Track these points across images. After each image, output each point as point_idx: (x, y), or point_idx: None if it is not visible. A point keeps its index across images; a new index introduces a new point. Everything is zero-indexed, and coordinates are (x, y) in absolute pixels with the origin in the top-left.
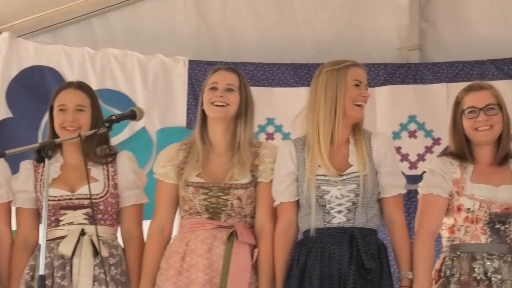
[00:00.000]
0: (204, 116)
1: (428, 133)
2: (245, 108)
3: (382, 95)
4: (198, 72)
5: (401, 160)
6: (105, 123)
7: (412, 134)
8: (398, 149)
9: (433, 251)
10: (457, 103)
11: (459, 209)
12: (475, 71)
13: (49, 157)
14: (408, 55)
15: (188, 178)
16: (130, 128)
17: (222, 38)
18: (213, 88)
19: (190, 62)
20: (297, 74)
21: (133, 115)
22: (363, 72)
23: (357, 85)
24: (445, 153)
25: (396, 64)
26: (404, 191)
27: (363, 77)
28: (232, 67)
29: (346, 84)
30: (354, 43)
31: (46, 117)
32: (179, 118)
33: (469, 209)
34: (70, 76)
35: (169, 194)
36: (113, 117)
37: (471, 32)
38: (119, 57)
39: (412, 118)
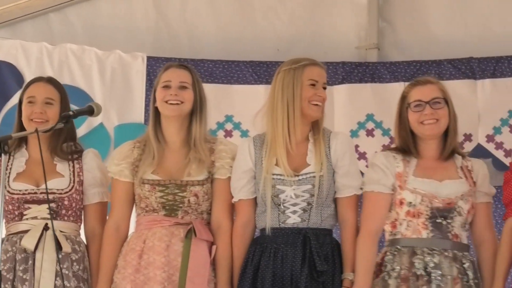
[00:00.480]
0: (157, 114)
1: (386, 132)
2: (199, 105)
3: (340, 93)
4: (157, 68)
5: (359, 159)
6: (62, 118)
7: (369, 133)
8: (355, 147)
9: (375, 251)
10: (403, 97)
11: (401, 203)
12: (433, 71)
13: (5, 152)
14: (366, 54)
15: (144, 176)
16: (87, 124)
17: (181, 34)
18: (167, 87)
19: (149, 58)
20: (256, 71)
21: (90, 111)
22: (320, 71)
23: (313, 84)
24: (389, 147)
25: (354, 63)
26: (360, 192)
27: (320, 76)
28: (184, 63)
29: (302, 84)
30: (313, 42)
31: (4, 111)
32: (137, 114)
33: (410, 203)
34: (27, 71)
35: (125, 192)
36: (70, 113)
37: (429, 31)
38: (77, 52)
39: (370, 117)
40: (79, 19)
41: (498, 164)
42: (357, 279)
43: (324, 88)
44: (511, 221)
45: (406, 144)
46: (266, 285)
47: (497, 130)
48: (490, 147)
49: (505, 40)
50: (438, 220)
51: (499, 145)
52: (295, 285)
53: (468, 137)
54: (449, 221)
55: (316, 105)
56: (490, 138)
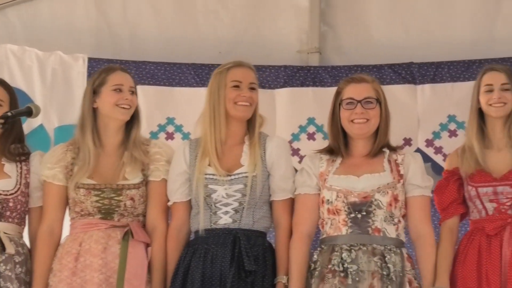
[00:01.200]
0: (94, 116)
1: (327, 136)
2: (138, 109)
3: (282, 97)
4: (98, 70)
5: (300, 162)
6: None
7: (311, 136)
8: (297, 151)
9: (308, 253)
10: (338, 93)
11: (322, 201)
12: (373, 75)
13: None
14: (308, 58)
15: (79, 180)
16: (27, 125)
17: (123, 36)
18: (119, 90)
19: (90, 59)
20: (197, 74)
21: (29, 112)
22: (245, 72)
23: (236, 86)
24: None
25: (296, 66)
26: (290, 196)
27: (245, 77)
28: (123, 67)
29: (225, 86)
30: (255, 45)
31: None
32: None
33: (328, 200)
34: None
35: (58, 196)
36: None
37: (370, 36)
38: (17, 53)
39: (311, 121)
40: (19, 20)
41: (437, 169)
42: (290, 282)
43: (253, 89)
44: (449, 223)
45: (336, 141)
46: (196, 285)
47: (437, 135)
48: (430, 151)
49: (445, 45)
50: (354, 215)
51: (438, 150)
52: (223, 285)
53: (407, 142)
54: (364, 214)
55: (243, 105)
56: (429, 143)
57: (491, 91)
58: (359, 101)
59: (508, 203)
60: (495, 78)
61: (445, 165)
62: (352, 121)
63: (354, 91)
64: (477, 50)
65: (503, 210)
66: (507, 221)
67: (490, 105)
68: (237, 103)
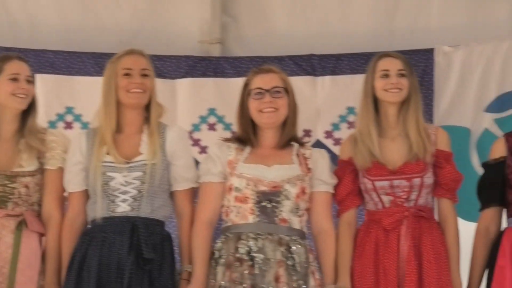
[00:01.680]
0: None
1: (228, 126)
2: (34, 97)
3: (182, 87)
4: None
5: (200, 153)
6: None
7: (211, 127)
8: (197, 142)
9: (210, 240)
10: (246, 85)
11: (230, 189)
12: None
13: None
14: (209, 49)
15: None
16: None
17: (21, 24)
18: (15, 79)
19: None
20: (97, 63)
21: None
22: (137, 59)
23: (127, 74)
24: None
25: (197, 57)
26: (196, 185)
27: (136, 64)
28: (20, 56)
29: (117, 75)
30: (156, 34)
31: None
32: None
33: (237, 187)
34: None
35: None
36: None
37: (271, 27)
38: None
39: (212, 111)
40: None
41: (336, 160)
42: (194, 270)
43: (145, 75)
44: (347, 216)
45: (246, 132)
46: (92, 273)
47: (336, 127)
48: (329, 143)
49: (345, 37)
50: (263, 204)
51: (337, 141)
52: (121, 273)
53: (307, 133)
54: (275, 204)
55: (135, 92)
56: (328, 134)
57: (387, 76)
58: (268, 90)
59: (404, 196)
60: (391, 64)
61: (339, 152)
62: (261, 111)
63: (262, 81)
64: (376, 42)
65: (399, 203)
66: (403, 214)
67: (386, 90)
68: (129, 90)
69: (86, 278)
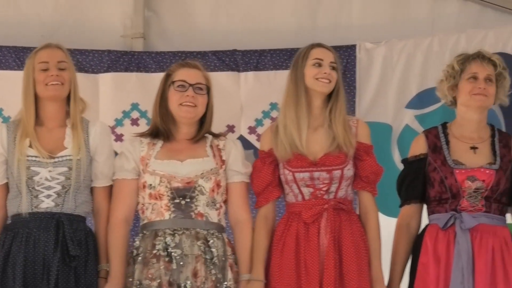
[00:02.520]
0: None
1: (150, 121)
2: None
3: (105, 82)
4: None
5: None
6: None
7: (134, 122)
8: (120, 137)
9: (125, 238)
10: (168, 76)
11: (144, 186)
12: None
13: None
14: (132, 43)
15: None
16: None
17: None
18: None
19: None
20: (19, 57)
21: None
22: (53, 52)
23: (44, 68)
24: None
25: (120, 51)
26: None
27: (52, 56)
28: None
29: (34, 69)
30: (78, 29)
31: None
32: None
33: (151, 185)
34: None
35: None
36: None
37: (194, 23)
38: None
39: (135, 106)
40: None
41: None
42: (110, 269)
43: (63, 68)
44: (264, 210)
45: (165, 123)
46: (18, 270)
47: (259, 122)
48: (252, 138)
49: (268, 33)
50: (177, 200)
51: (260, 137)
52: (47, 270)
53: (231, 128)
54: (188, 200)
55: (52, 85)
56: (252, 130)
57: (320, 65)
58: (192, 85)
59: (325, 188)
60: (324, 54)
61: (259, 144)
62: (181, 104)
63: (187, 74)
64: (299, 38)
65: (319, 195)
66: (323, 207)
67: (317, 79)
68: (47, 84)
69: (11, 275)
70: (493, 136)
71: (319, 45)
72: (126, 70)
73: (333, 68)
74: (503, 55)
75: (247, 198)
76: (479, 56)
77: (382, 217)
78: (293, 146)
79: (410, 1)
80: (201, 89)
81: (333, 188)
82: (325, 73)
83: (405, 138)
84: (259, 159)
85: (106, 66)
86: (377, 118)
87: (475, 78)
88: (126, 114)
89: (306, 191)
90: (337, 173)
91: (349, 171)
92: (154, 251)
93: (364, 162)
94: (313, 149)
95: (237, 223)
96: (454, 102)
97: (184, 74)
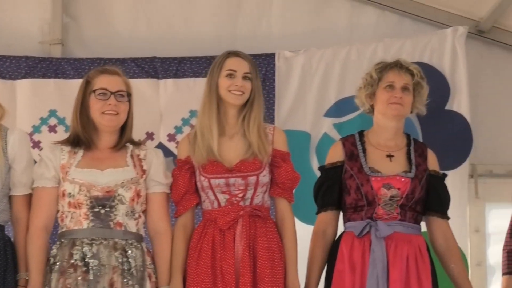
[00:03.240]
0: None
1: (68, 128)
2: None
3: (23, 88)
4: None
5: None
6: None
7: (52, 129)
8: (37, 144)
9: (45, 246)
10: (87, 83)
11: (63, 194)
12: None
13: None
14: (50, 49)
15: None
16: None
17: None
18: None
19: None
20: None
21: None
22: None
23: None
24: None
25: (37, 57)
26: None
27: None
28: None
29: None
30: None
31: None
32: None
33: (70, 193)
34: None
35: None
36: None
37: (113, 29)
38: None
39: (52, 113)
40: None
41: None
42: (29, 278)
43: None
44: (183, 218)
45: (87, 131)
46: None
47: (179, 130)
48: (171, 146)
49: (187, 41)
50: (97, 209)
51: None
52: None
53: (150, 136)
54: (108, 209)
55: None
56: (171, 137)
57: (232, 76)
58: (113, 93)
59: (240, 195)
60: (239, 65)
61: (177, 152)
62: (103, 112)
63: (107, 82)
64: (219, 46)
65: (235, 201)
66: (239, 213)
67: (230, 91)
68: None
69: None
70: (409, 145)
71: (235, 54)
72: (44, 76)
73: (247, 78)
74: (420, 64)
75: (167, 209)
76: (397, 65)
77: (301, 224)
78: (210, 153)
79: (328, 10)
80: (122, 96)
81: (248, 194)
82: (236, 85)
83: (324, 146)
84: (177, 167)
85: (24, 72)
86: (296, 126)
87: (392, 87)
88: (43, 120)
89: (222, 197)
90: (252, 179)
91: (264, 177)
92: (72, 261)
93: (280, 169)
94: (228, 156)
95: (157, 234)
96: (371, 110)
97: (104, 82)
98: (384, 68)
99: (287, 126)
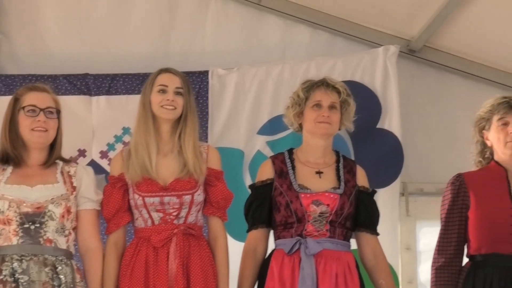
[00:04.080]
0: None
1: None
2: None
3: None
4: None
5: None
6: None
7: None
8: None
9: None
10: (16, 100)
11: None
12: (48, 85)
13: None
14: None
15: None
16: None
17: None
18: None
19: None
20: None
21: None
22: None
23: None
24: None
25: None
26: None
27: None
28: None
29: None
30: None
31: None
32: None
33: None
34: None
35: None
36: None
37: (45, 46)
38: None
39: None
40: None
41: None
42: None
43: None
44: (114, 236)
45: (15, 148)
46: None
47: (111, 147)
48: (104, 163)
49: (120, 58)
50: (26, 225)
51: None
52: None
53: (82, 153)
54: (38, 225)
55: None
56: (104, 154)
57: (164, 92)
58: (42, 109)
59: (175, 213)
60: (170, 80)
61: (110, 168)
62: (33, 129)
63: (36, 98)
64: (152, 64)
65: (169, 220)
66: (173, 231)
67: (162, 106)
68: None
69: None
70: (338, 161)
71: (167, 70)
72: None
73: (179, 94)
74: (351, 83)
75: (98, 226)
76: (323, 84)
77: (234, 242)
78: (144, 170)
79: (262, 28)
80: (51, 113)
81: (183, 213)
82: (168, 99)
83: (257, 163)
84: (109, 184)
85: None
86: (229, 143)
87: (319, 106)
88: None
89: (156, 216)
90: (187, 198)
91: (199, 196)
92: (1, 277)
93: (215, 188)
94: (163, 174)
95: (87, 251)
96: (300, 128)
97: (33, 99)
98: (311, 87)
99: (221, 143)
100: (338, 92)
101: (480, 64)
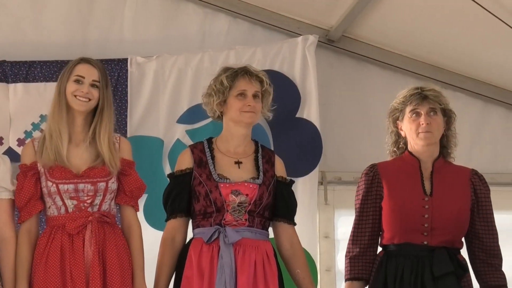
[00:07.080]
0: None
1: None
2: None
3: None
4: None
5: None
6: None
7: None
8: None
9: None
10: None
11: None
12: None
13: None
14: None
15: None
16: None
17: None
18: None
19: None
20: None
21: None
22: None
23: None
24: None
25: None
26: None
27: None
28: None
29: None
30: None
31: None
32: None
33: None
34: None
35: None
36: None
37: None
38: None
39: None
40: None
41: None
42: None
43: None
44: (27, 224)
45: None
46: None
47: (29, 134)
48: (21, 150)
49: (38, 45)
50: None
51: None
52: None
53: None
54: None
55: None
56: (21, 142)
57: (80, 82)
58: None
59: (89, 201)
60: (87, 72)
61: (21, 157)
62: None
63: None
64: (70, 51)
65: (83, 207)
66: (88, 219)
67: (76, 96)
68: None
69: None
70: (257, 151)
71: (86, 60)
72: None
73: (95, 86)
74: (271, 72)
75: (13, 216)
76: (247, 73)
77: (152, 230)
78: (58, 157)
79: (181, 17)
80: None
81: (97, 200)
82: (82, 91)
83: (176, 152)
84: (21, 172)
85: None
86: (148, 132)
87: (243, 95)
88: None
89: (70, 203)
90: (101, 185)
91: (113, 184)
92: None
93: (129, 177)
94: (75, 163)
95: (2, 240)
96: (221, 117)
97: None
98: (235, 75)
99: (140, 131)
100: (261, 81)
101: (397, 54)
